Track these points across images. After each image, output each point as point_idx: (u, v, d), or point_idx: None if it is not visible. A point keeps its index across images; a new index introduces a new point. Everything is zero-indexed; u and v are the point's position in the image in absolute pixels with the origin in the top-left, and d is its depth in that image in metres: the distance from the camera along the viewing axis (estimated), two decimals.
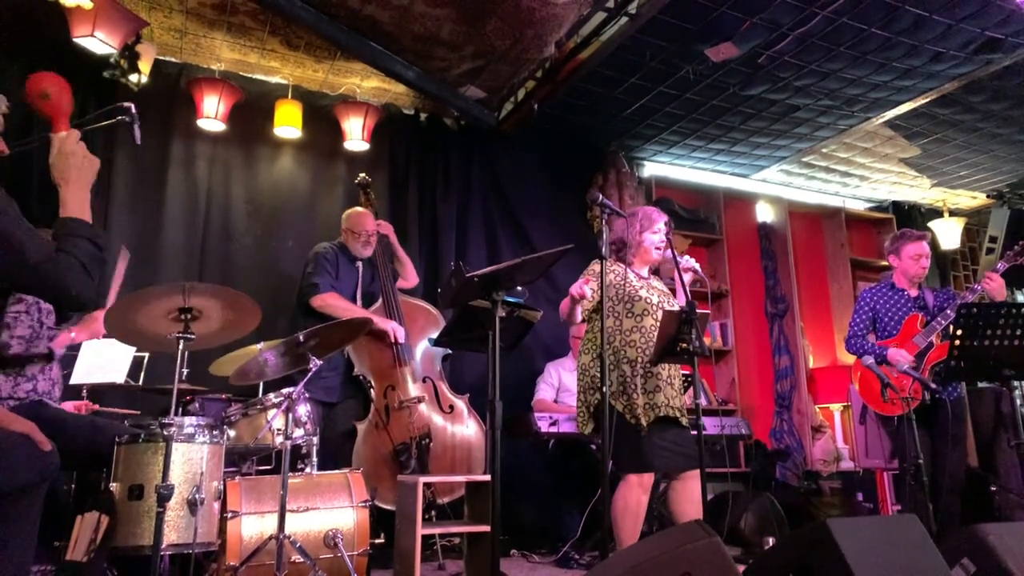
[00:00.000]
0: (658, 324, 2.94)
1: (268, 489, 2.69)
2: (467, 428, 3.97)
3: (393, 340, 3.87)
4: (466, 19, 3.93)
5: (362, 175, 4.33)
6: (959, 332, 2.91)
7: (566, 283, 5.06)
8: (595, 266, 3.02)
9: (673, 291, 3.25)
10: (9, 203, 1.68)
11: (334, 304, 3.81)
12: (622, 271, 3.12)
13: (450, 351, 4.10)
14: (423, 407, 3.87)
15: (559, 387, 4.59)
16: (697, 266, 3.11)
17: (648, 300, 3.10)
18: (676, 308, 2.83)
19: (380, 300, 4.05)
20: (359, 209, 4.18)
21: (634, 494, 2.95)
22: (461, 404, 4.01)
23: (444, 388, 4.01)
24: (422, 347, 4.03)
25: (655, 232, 3.17)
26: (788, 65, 4.31)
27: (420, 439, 3.66)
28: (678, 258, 3.06)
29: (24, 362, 2.75)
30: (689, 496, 3.00)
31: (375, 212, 4.25)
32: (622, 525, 2.94)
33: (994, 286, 3.54)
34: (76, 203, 1.79)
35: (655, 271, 3.37)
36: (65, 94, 1.91)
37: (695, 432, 2.84)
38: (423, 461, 3.62)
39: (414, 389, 3.89)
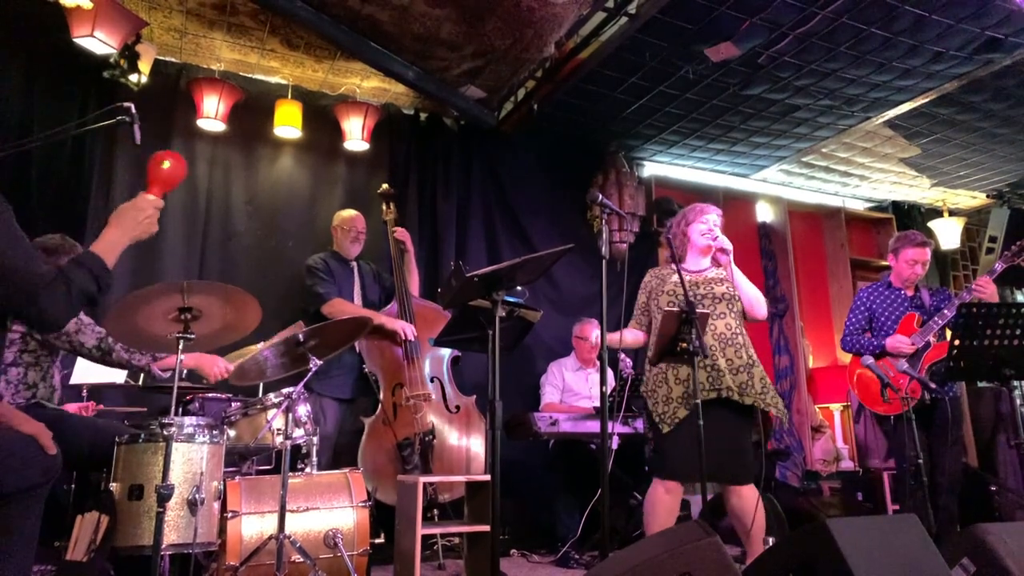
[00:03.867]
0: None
1: (268, 489, 2.69)
2: (474, 429, 3.99)
3: (403, 339, 3.91)
4: (466, 19, 3.92)
5: (385, 185, 4.40)
6: (959, 332, 2.90)
7: (566, 283, 5.18)
8: (645, 278, 3.26)
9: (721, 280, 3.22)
10: (2, 205, 1.68)
11: (342, 309, 3.89)
12: (662, 273, 3.24)
13: (459, 353, 4.13)
14: (429, 406, 3.89)
15: (563, 388, 4.60)
16: (729, 246, 3.12)
17: (673, 292, 3.11)
18: (676, 308, 2.83)
19: (394, 301, 4.11)
20: (350, 211, 4.28)
21: (658, 495, 2.96)
22: (469, 405, 4.04)
23: (452, 389, 4.05)
24: (431, 347, 4.05)
25: (703, 222, 3.18)
26: (788, 65, 4.31)
27: (424, 435, 3.69)
28: (716, 233, 3.14)
29: (124, 367, 2.96)
30: (743, 509, 2.94)
31: (397, 222, 4.31)
32: (648, 526, 2.97)
33: (986, 294, 3.54)
34: (109, 244, 1.82)
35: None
36: (179, 176, 2.02)
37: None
38: (426, 458, 3.65)
39: (422, 387, 3.92)
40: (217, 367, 3.03)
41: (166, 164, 1.95)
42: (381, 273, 4.32)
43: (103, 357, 2.86)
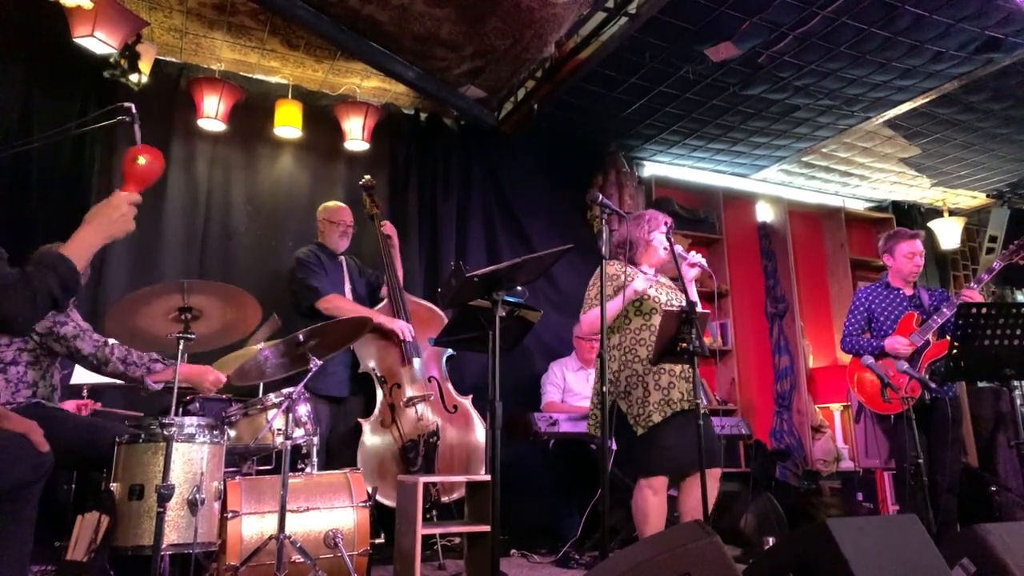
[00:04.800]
0: None
1: (268, 489, 2.69)
2: (471, 428, 3.98)
3: (401, 339, 3.89)
4: (466, 19, 3.93)
5: (367, 177, 4.35)
6: (958, 332, 2.90)
7: (566, 283, 5.18)
8: (608, 268, 3.10)
9: (681, 289, 3.25)
10: None
11: (340, 305, 3.85)
12: (631, 271, 3.15)
13: (454, 352, 4.12)
14: (429, 406, 3.89)
15: (564, 388, 4.59)
16: (703, 261, 3.11)
17: (656, 299, 3.14)
18: (676, 308, 2.83)
19: (386, 299, 4.08)
20: (336, 202, 4.24)
21: (644, 497, 2.98)
22: (465, 404, 4.03)
23: (449, 388, 4.04)
24: (427, 347, 4.04)
25: (663, 232, 3.18)
26: (788, 65, 4.31)
27: (428, 437, 3.67)
28: (683, 253, 3.11)
29: (119, 378, 2.87)
30: (692, 494, 3.00)
31: (380, 215, 4.28)
32: (640, 530, 2.99)
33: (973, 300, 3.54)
34: (81, 245, 1.73)
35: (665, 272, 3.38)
36: (156, 171, 1.91)
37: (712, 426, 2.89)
38: (430, 459, 3.63)
39: (420, 388, 3.91)
40: (210, 378, 3.00)
41: (141, 160, 1.86)
42: (364, 268, 4.30)
43: (99, 367, 2.81)
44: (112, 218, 1.77)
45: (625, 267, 3.20)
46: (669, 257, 3.18)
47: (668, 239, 3.15)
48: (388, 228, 4.25)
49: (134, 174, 1.86)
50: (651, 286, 3.14)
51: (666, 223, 3.20)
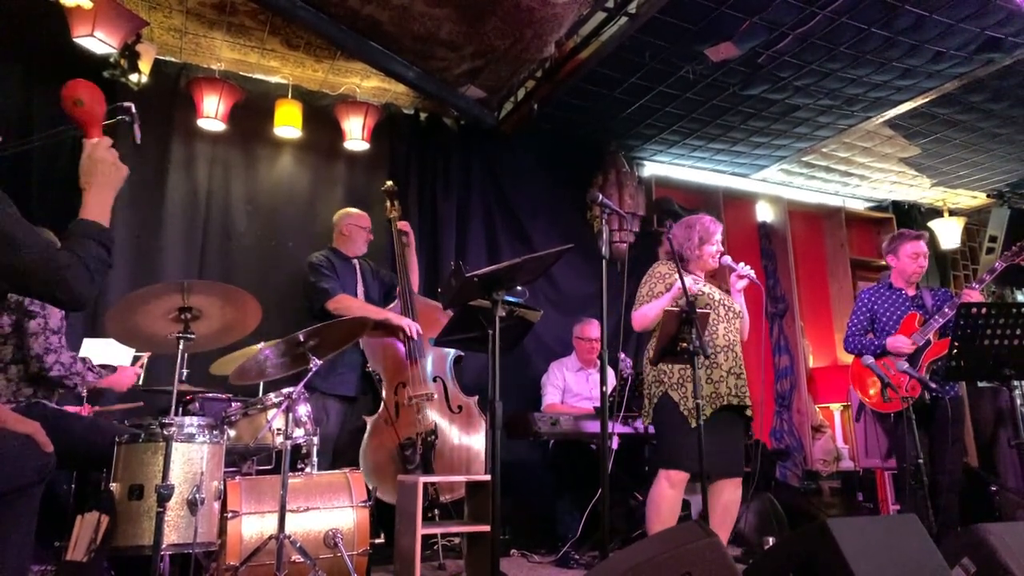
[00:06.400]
0: (719, 319, 3.17)
1: (268, 489, 2.69)
2: (475, 429, 3.98)
3: (407, 337, 3.91)
4: (466, 19, 3.93)
5: (389, 183, 4.37)
6: (959, 331, 2.91)
7: (566, 283, 5.18)
8: (660, 268, 3.31)
9: (727, 290, 3.36)
10: (6, 201, 1.68)
11: (348, 305, 3.87)
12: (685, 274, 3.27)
13: (462, 353, 4.12)
14: (432, 405, 3.89)
15: (564, 388, 4.59)
16: (751, 273, 3.20)
17: (710, 296, 3.23)
18: (677, 308, 2.83)
19: (397, 299, 4.10)
20: (357, 209, 4.27)
21: (660, 489, 3.01)
22: (471, 405, 4.03)
23: (454, 388, 4.04)
24: (434, 347, 4.05)
25: (713, 244, 3.30)
26: (788, 65, 4.31)
27: (426, 435, 3.67)
28: (733, 264, 3.22)
29: (53, 387, 2.80)
30: (719, 502, 3.07)
31: (398, 218, 4.30)
32: (651, 522, 3.02)
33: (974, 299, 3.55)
34: (96, 207, 1.81)
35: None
36: (99, 102, 1.92)
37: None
38: (427, 458, 3.63)
39: (425, 386, 3.91)
40: (126, 377, 2.98)
41: (81, 101, 1.85)
42: (379, 270, 4.31)
43: (39, 371, 2.74)
44: (107, 171, 1.86)
45: (675, 269, 3.29)
46: (718, 265, 3.30)
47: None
48: (404, 225, 4.27)
49: (85, 118, 1.87)
50: (699, 287, 3.23)
51: (713, 235, 3.29)
